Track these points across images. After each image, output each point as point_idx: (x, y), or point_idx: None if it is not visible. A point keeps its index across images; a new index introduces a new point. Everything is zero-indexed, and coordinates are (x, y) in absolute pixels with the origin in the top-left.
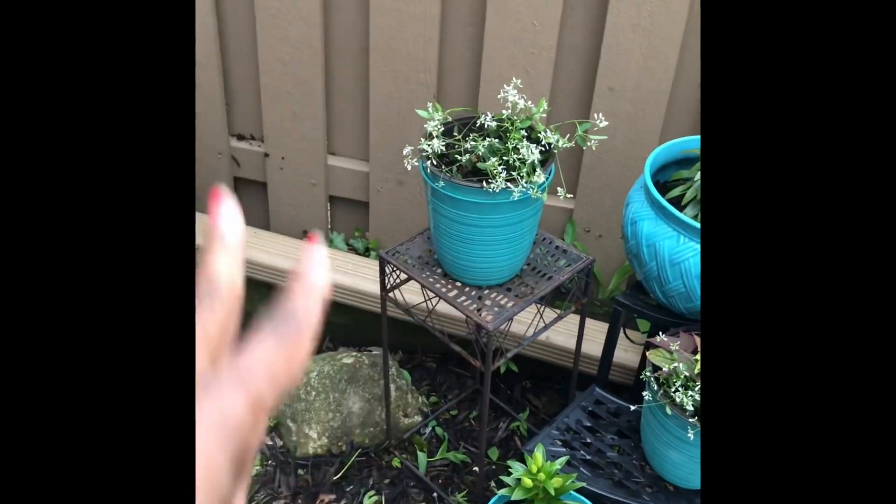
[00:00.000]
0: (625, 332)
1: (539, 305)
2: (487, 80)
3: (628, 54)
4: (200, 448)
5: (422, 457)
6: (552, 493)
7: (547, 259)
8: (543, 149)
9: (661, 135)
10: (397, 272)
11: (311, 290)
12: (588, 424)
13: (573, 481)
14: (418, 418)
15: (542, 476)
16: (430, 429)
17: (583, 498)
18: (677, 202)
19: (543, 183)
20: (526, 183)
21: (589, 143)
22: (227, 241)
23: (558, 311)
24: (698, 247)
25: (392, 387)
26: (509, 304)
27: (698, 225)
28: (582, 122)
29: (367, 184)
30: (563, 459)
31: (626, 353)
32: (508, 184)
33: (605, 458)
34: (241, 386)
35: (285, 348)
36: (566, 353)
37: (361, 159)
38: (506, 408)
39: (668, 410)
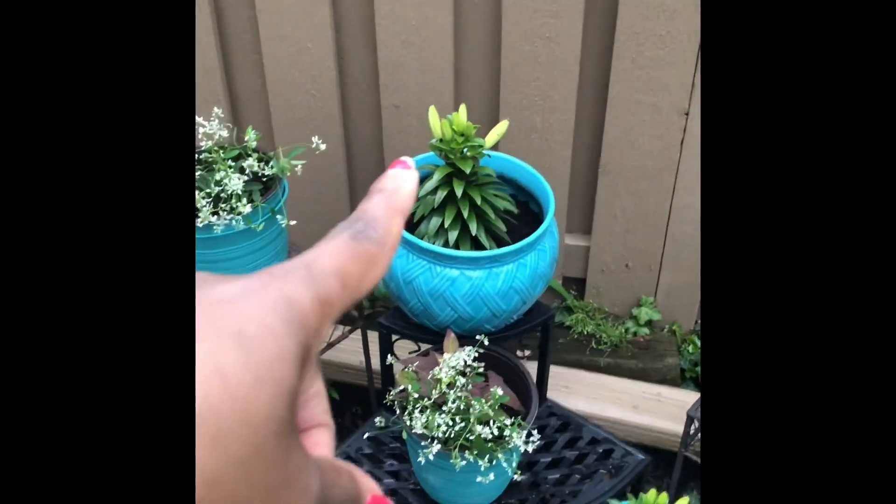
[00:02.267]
0: (391, 354)
1: None
2: (276, 109)
3: (404, 70)
4: (268, 331)
5: None
6: None
7: None
8: (262, 178)
9: None
10: None
11: (394, 198)
12: (368, 452)
13: None
14: None
15: None
16: None
17: None
18: (410, 221)
19: (255, 213)
20: (228, 214)
21: (295, 169)
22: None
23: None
24: (427, 264)
25: None
26: None
27: (420, 242)
28: (297, 146)
29: None
30: None
31: None
32: (212, 217)
33: (381, 486)
34: (310, 283)
35: (361, 254)
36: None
37: None
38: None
39: (404, 434)
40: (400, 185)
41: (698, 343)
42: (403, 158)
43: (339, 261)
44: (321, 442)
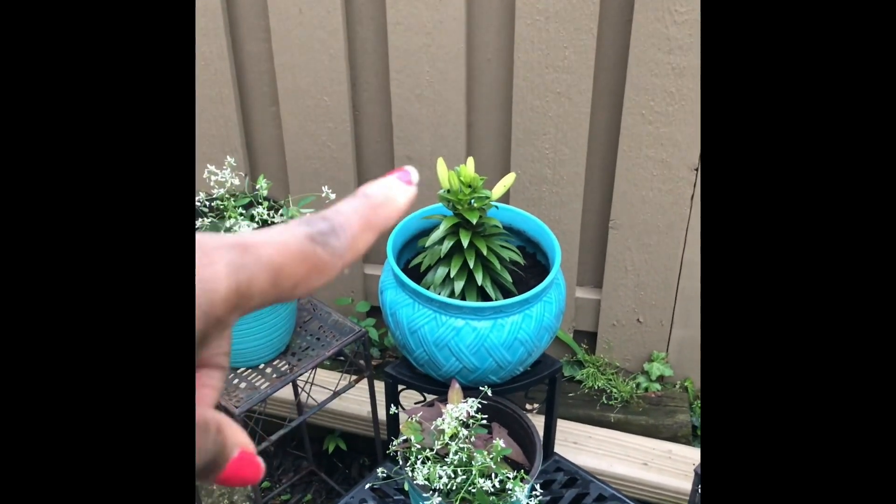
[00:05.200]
0: (397, 404)
1: (304, 382)
2: (293, 157)
3: (419, 124)
4: (207, 257)
5: None
6: None
7: (319, 334)
8: (272, 226)
9: None
10: None
11: (376, 211)
12: None
13: None
14: None
15: None
16: None
17: None
18: (417, 271)
19: None
20: None
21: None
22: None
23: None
24: (432, 313)
25: None
26: (264, 386)
27: (426, 292)
28: (308, 195)
29: None
30: None
31: None
32: None
33: None
34: (233, 269)
35: (310, 259)
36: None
37: None
38: (339, 489)
39: (406, 486)
40: (389, 197)
41: None
42: (407, 168)
43: (281, 256)
44: (210, 383)
